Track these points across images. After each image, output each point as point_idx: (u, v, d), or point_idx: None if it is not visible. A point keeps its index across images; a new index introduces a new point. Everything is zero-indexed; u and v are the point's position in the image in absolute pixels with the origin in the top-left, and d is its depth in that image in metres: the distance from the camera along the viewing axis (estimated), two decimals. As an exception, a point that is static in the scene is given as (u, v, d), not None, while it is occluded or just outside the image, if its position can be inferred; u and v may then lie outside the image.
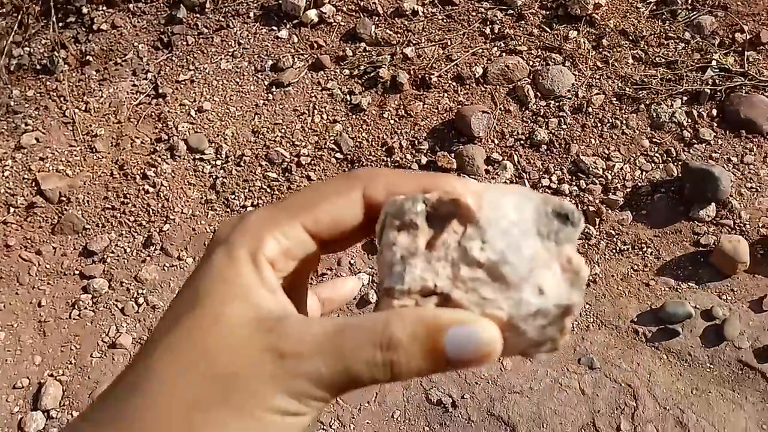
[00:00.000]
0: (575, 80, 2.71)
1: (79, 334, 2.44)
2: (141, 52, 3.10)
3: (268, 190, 2.67)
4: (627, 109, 2.63)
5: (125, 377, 0.34)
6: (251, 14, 3.12)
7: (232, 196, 2.67)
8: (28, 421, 2.26)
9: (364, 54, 2.94)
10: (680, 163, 2.48)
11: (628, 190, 2.50)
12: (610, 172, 2.52)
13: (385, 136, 2.73)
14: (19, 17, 3.16)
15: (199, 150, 2.78)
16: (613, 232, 2.45)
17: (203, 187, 2.71)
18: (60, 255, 2.61)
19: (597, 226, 2.45)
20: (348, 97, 2.84)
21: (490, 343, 0.33)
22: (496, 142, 2.65)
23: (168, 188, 2.70)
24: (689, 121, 2.57)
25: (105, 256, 2.58)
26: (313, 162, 2.70)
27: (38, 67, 3.08)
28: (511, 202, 0.34)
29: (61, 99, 2.98)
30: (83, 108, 2.96)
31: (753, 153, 2.50)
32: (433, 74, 2.81)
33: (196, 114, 2.88)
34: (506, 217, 0.34)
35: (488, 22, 2.92)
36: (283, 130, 2.80)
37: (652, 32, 2.76)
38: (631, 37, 2.77)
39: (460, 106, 2.72)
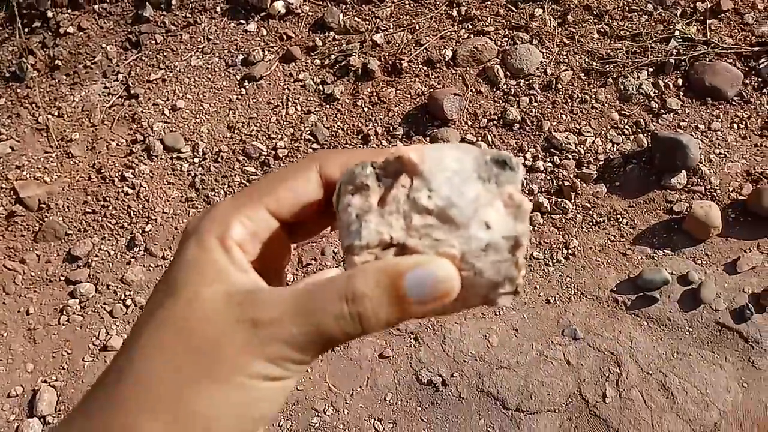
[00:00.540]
0: (543, 58, 2.75)
1: (70, 339, 2.46)
2: (110, 54, 3.09)
3: (248, 184, 2.68)
4: (595, 83, 2.68)
5: (111, 367, 0.36)
6: (218, 9, 3.11)
7: (212, 193, 2.68)
8: (25, 429, 2.28)
9: (333, 43, 2.96)
10: (650, 133, 2.53)
11: (601, 163, 2.55)
12: (582, 146, 2.58)
13: (360, 124, 2.75)
14: (-16, 25, 3.12)
15: (176, 149, 2.78)
16: (588, 205, 2.50)
17: (182, 185, 2.72)
18: (44, 262, 2.61)
19: (573, 200, 2.51)
20: (321, 87, 2.86)
21: (447, 279, 0.35)
22: (470, 123, 2.68)
23: (147, 189, 2.70)
24: (656, 91, 2.62)
25: (89, 261, 2.59)
26: (290, 154, 2.72)
27: (7, 74, 3.05)
28: (452, 155, 0.37)
29: (33, 105, 2.97)
30: (56, 113, 2.95)
31: (720, 119, 2.57)
32: (404, 59, 2.83)
33: (170, 113, 2.88)
34: (448, 167, 0.36)
35: (455, 4, 2.94)
36: (258, 124, 2.81)
37: (615, 6, 2.80)
38: (595, 12, 2.81)
39: (432, 90, 2.74)
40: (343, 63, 2.88)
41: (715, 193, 2.45)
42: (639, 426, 2.16)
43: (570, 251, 2.45)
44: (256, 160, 2.73)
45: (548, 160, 2.59)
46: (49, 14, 3.18)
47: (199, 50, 3.04)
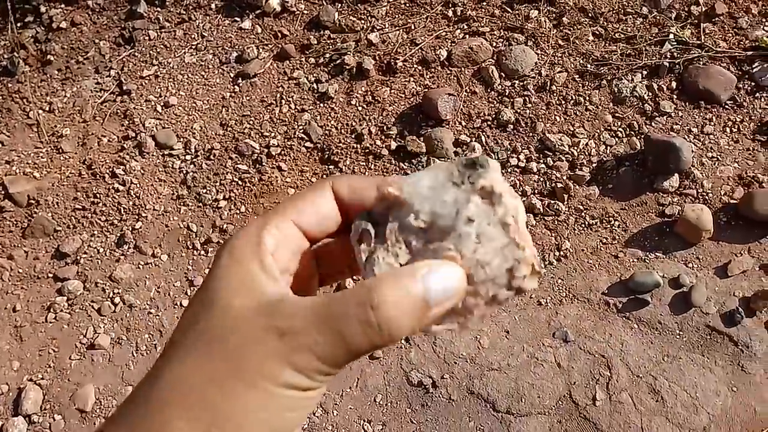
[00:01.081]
0: (538, 59, 2.75)
1: (57, 337, 2.44)
2: (103, 49, 3.07)
3: (240, 182, 2.67)
4: (589, 85, 2.67)
5: (151, 373, 0.38)
6: (213, 6, 3.09)
7: (204, 191, 2.67)
8: (10, 427, 2.25)
9: (328, 42, 2.94)
10: (643, 136, 2.53)
11: (594, 165, 2.55)
12: (575, 148, 2.57)
13: (353, 123, 2.74)
14: (-25, 19, 3.10)
15: (168, 146, 2.77)
16: (581, 207, 2.50)
17: (174, 182, 2.71)
18: (32, 259, 2.59)
19: (565, 202, 2.50)
20: (315, 85, 2.85)
21: (453, 276, 0.38)
22: (464, 123, 2.68)
23: (138, 186, 2.68)
24: (650, 94, 2.62)
25: (78, 258, 2.57)
26: (283, 152, 2.71)
27: (-2, 69, 3.03)
28: (427, 174, 0.41)
29: (24, 100, 2.94)
30: (47, 109, 2.92)
31: (713, 123, 2.56)
32: (399, 59, 2.82)
33: (162, 109, 2.86)
34: (424, 185, 0.40)
35: (450, 5, 2.93)
36: (251, 122, 2.80)
37: (610, 8, 2.80)
38: (590, 14, 2.80)
39: (426, 90, 2.74)
40: (337, 62, 2.87)
41: (707, 197, 2.45)
42: (628, 429, 2.15)
43: (562, 253, 2.45)
44: (248, 158, 2.72)
45: (541, 161, 2.58)
46: (42, 9, 3.15)
47: (193, 47, 3.02)
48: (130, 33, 3.08)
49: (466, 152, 2.61)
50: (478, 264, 0.38)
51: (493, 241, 0.38)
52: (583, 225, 2.48)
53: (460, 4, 2.92)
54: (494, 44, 2.81)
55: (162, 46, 3.03)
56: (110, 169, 2.72)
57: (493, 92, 2.72)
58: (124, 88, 2.92)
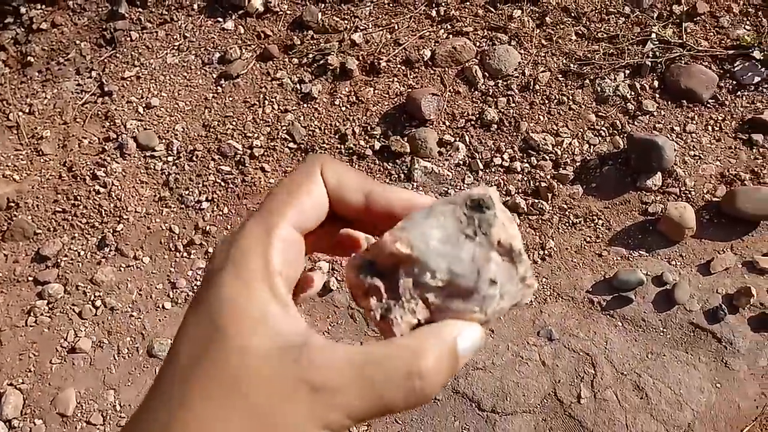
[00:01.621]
0: (521, 59, 2.75)
1: (37, 341, 2.41)
2: (84, 51, 3.04)
3: (222, 184, 2.65)
4: (572, 85, 2.68)
5: (149, 416, 0.34)
6: (195, 6, 3.08)
7: (186, 192, 2.64)
8: (-11, 432, 2.22)
9: (312, 42, 2.93)
10: (626, 135, 2.54)
11: (578, 164, 2.55)
12: (559, 147, 2.57)
13: (337, 124, 2.73)
14: (-47, 20, 3.06)
15: (150, 147, 2.74)
16: (565, 206, 2.50)
17: (156, 184, 2.68)
18: (12, 262, 2.55)
19: (549, 201, 2.50)
20: (298, 86, 2.83)
21: (482, 337, 0.38)
22: (448, 123, 2.67)
23: (119, 188, 2.66)
24: (632, 93, 2.63)
25: (59, 261, 2.54)
26: (266, 153, 2.69)
27: (-23, 70, 2.99)
28: (433, 224, 0.38)
29: (4, 102, 2.91)
30: (27, 110, 2.89)
31: (695, 122, 2.58)
32: (382, 59, 2.82)
33: (144, 111, 2.84)
34: (434, 238, 0.38)
35: (434, 5, 2.93)
36: (234, 123, 2.78)
37: (593, 8, 2.81)
38: (573, 14, 2.81)
39: (410, 90, 2.73)
40: (321, 62, 2.86)
41: (689, 195, 2.46)
42: (613, 427, 2.15)
43: (546, 252, 2.45)
44: (231, 159, 2.70)
45: (525, 161, 2.58)
46: (23, 10, 3.12)
47: (175, 48, 3.00)
48: (111, 34, 3.05)
49: (467, 188, 2.61)
50: (497, 314, 0.39)
51: (511, 293, 0.39)
52: (567, 224, 2.49)
53: (443, 4, 2.92)
54: (478, 44, 2.81)
55: (144, 47, 3.01)
56: (91, 171, 2.69)
57: (476, 92, 2.72)
58: (106, 89, 2.89)
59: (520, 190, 2.54)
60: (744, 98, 2.59)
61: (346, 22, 2.95)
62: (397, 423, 2.22)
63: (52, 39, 3.08)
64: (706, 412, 2.16)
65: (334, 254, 0.46)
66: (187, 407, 0.33)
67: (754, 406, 2.16)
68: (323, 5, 3.00)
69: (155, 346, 2.36)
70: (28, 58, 3.01)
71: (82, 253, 2.56)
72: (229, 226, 2.58)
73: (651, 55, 2.67)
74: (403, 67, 2.81)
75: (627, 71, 2.67)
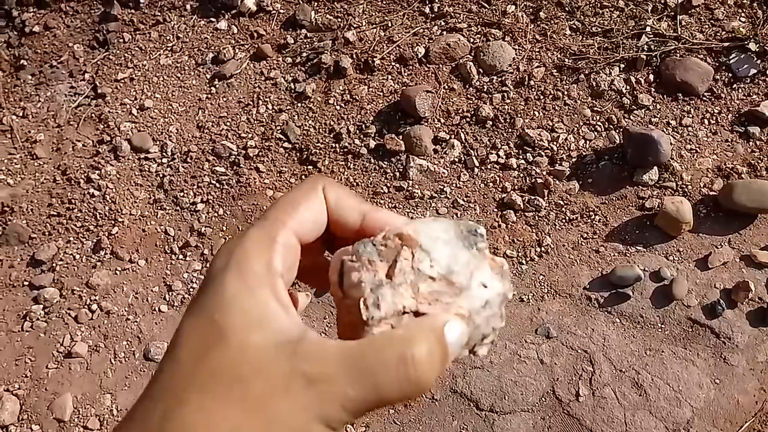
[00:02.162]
0: (516, 54, 2.73)
1: (33, 346, 2.40)
2: (77, 53, 3.02)
3: (217, 185, 2.64)
4: (567, 80, 2.66)
5: (157, 417, 0.34)
6: (188, 6, 3.06)
7: (181, 194, 2.63)
8: (-14, 438, 2.22)
9: (305, 41, 2.92)
10: (621, 129, 2.52)
11: (574, 160, 2.53)
12: (555, 143, 2.56)
13: (332, 123, 2.71)
14: (-55, 24, 3.04)
15: (144, 149, 2.73)
16: (561, 203, 2.49)
17: (150, 186, 2.67)
18: (7, 267, 2.54)
19: (546, 198, 2.49)
20: (292, 85, 2.82)
21: (465, 334, 0.39)
22: (443, 121, 2.66)
23: (114, 190, 2.65)
24: (628, 87, 2.61)
25: (54, 265, 2.53)
26: (261, 153, 2.68)
27: (-31, 75, 2.98)
28: (438, 227, 0.41)
29: (-3, 106, 2.90)
30: (21, 114, 2.88)
31: (691, 115, 2.56)
32: (376, 57, 2.80)
33: (138, 112, 2.82)
34: (440, 237, 0.41)
35: (427, 1, 2.91)
36: (228, 123, 2.76)
37: (587, 2, 2.79)
38: (567, 8, 2.79)
39: (404, 88, 2.71)
40: (314, 61, 2.84)
41: (686, 189, 2.44)
42: (612, 424, 2.14)
43: (543, 249, 2.44)
44: (226, 160, 2.68)
45: (521, 157, 2.57)
46: (15, 13, 3.11)
47: (168, 49, 2.99)
48: (104, 36, 3.04)
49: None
50: (473, 326, 0.40)
51: (491, 308, 0.41)
52: (563, 220, 2.47)
53: (436, 0, 2.90)
54: (471, 40, 2.79)
55: (137, 49, 2.99)
56: (85, 174, 2.68)
57: (471, 88, 2.70)
58: (99, 91, 2.88)
59: (516, 187, 2.53)
60: (740, 91, 2.57)
61: (339, 20, 2.93)
62: (395, 423, 2.21)
63: (45, 42, 3.06)
64: (705, 408, 2.15)
65: (317, 283, 0.47)
66: (184, 402, 0.33)
67: (753, 402, 2.15)
68: (316, 4, 2.98)
69: (152, 350, 2.36)
70: (21, 61, 3.00)
71: (77, 256, 2.55)
72: (224, 228, 2.57)
73: (646, 49, 2.65)
74: (397, 65, 2.79)
75: (622, 65, 2.66)
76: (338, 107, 2.74)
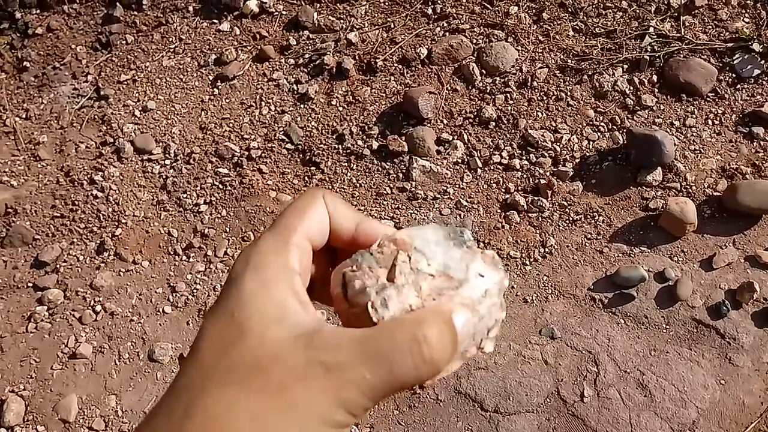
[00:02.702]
0: (519, 55, 2.73)
1: (38, 347, 2.40)
2: (80, 55, 3.03)
3: (220, 186, 2.64)
4: (570, 80, 2.66)
5: (179, 409, 0.35)
6: (190, 8, 3.06)
7: (184, 195, 2.63)
8: (-9, 440, 2.22)
9: (308, 42, 2.92)
10: (625, 130, 2.52)
11: (577, 160, 2.53)
12: (558, 144, 2.56)
13: (334, 124, 2.71)
14: (-52, 26, 3.05)
15: (147, 150, 2.73)
16: (565, 203, 2.49)
17: (154, 188, 2.67)
18: (11, 268, 2.54)
19: (549, 199, 2.49)
20: (295, 86, 2.82)
21: (471, 321, 0.40)
22: (445, 122, 2.66)
23: (117, 192, 2.65)
24: (631, 88, 2.61)
25: (58, 266, 2.53)
26: (263, 155, 2.68)
27: (-28, 76, 2.98)
28: (429, 231, 0.43)
29: (0, 108, 2.90)
30: (24, 116, 2.88)
31: (694, 116, 2.56)
32: (379, 58, 2.80)
33: (140, 114, 2.82)
34: (431, 239, 0.43)
35: (430, 2, 2.91)
36: (231, 125, 2.76)
37: (590, 3, 2.79)
38: (570, 9, 2.79)
39: (407, 89, 2.71)
40: (317, 62, 2.84)
41: (690, 190, 2.44)
42: (617, 425, 2.14)
43: (547, 250, 2.43)
44: (229, 161, 2.68)
45: (524, 158, 2.57)
46: (18, 15, 3.11)
47: (171, 50, 2.99)
48: (106, 37, 3.04)
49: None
50: (478, 316, 0.41)
51: (491, 297, 0.42)
52: (567, 221, 2.47)
53: (439, 1, 2.91)
54: (474, 41, 2.79)
55: (139, 50, 2.99)
56: (88, 176, 2.68)
57: (474, 89, 2.70)
58: (102, 93, 2.88)
59: (519, 188, 2.53)
60: (744, 91, 2.57)
61: (341, 21, 2.93)
62: (400, 425, 2.21)
63: (48, 44, 3.07)
64: (711, 409, 2.14)
65: (327, 299, 0.48)
66: (206, 393, 0.34)
67: (758, 402, 2.15)
68: (318, 5, 2.98)
69: (156, 351, 2.36)
70: (24, 63, 3.00)
71: (81, 258, 2.55)
72: (227, 229, 2.57)
73: (649, 50, 2.65)
74: (400, 66, 2.80)
75: (625, 66, 2.66)
76: (341, 108, 2.74)
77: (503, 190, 2.53)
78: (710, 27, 2.69)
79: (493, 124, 2.63)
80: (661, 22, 2.69)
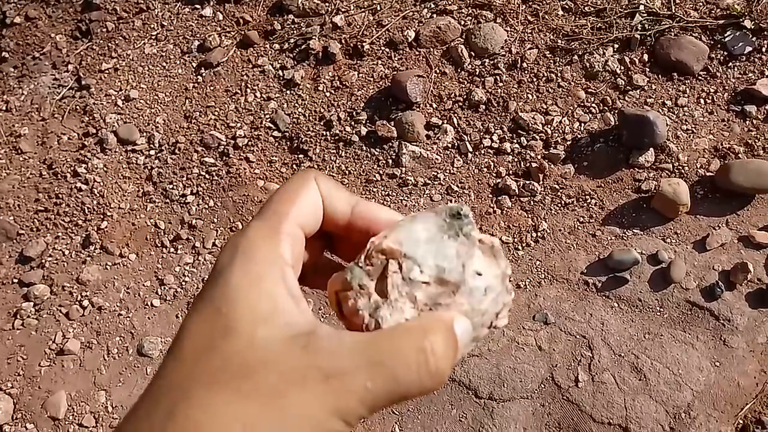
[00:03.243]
0: (508, 36, 2.68)
1: (25, 344, 2.36)
2: (59, 44, 2.96)
3: (207, 176, 2.59)
4: (561, 61, 2.62)
5: (163, 413, 0.32)
6: (171, -6, 2.99)
7: (170, 186, 2.59)
8: (-20, 440, 2.19)
9: (292, 26, 2.86)
10: (617, 111, 2.48)
11: (569, 143, 2.50)
12: (549, 126, 2.52)
13: (322, 110, 2.67)
14: None
15: (131, 141, 2.68)
16: (557, 187, 2.45)
17: (139, 179, 2.62)
18: (-5, 264, 2.50)
19: (541, 182, 2.46)
20: (280, 72, 2.76)
21: (470, 330, 0.39)
22: (435, 106, 2.61)
23: (102, 184, 2.60)
24: (622, 68, 2.57)
25: (43, 261, 2.49)
26: (250, 143, 2.63)
27: (-51, 68, 2.91)
28: (418, 228, 0.40)
29: (-21, 100, 2.83)
30: (4, 108, 2.82)
31: (686, 95, 2.52)
32: (365, 42, 2.75)
33: (123, 103, 2.76)
34: (421, 239, 0.40)
35: (416, -16, 2.86)
36: (216, 113, 2.71)
37: (580, -19, 2.74)
38: (559, -12, 2.74)
39: (395, 73, 2.67)
40: (302, 47, 2.79)
41: (683, 170, 2.41)
42: (612, 409, 2.13)
43: (539, 234, 2.41)
44: (215, 150, 2.64)
45: (515, 141, 2.53)
46: (-6, 4, 3.03)
47: (153, 37, 2.92)
48: (86, 25, 2.97)
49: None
50: (480, 313, 0.40)
51: (493, 291, 0.41)
52: (559, 204, 2.44)
53: (426, -18, 2.85)
54: (462, 23, 2.74)
55: (120, 38, 2.92)
56: (72, 168, 2.63)
57: (463, 72, 2.66)
58: (83, 83, 2.82)
59: (510, 172, 2.49)
60: (735, 69, 2.53)
61: (326, 4, 2.87)
62: (394, 414, 2.19)
63: (27, 33, 2.99)
64: (706, 391, 2.13)
65: (320, 286, 0.45)
66: (190, 397, 0.32)
67: (753, 384, 2.14)
68: (303, -12, 2.91)
69: (145, 345, 2.32)
70: (3, 53, 2.93)
71: (66, 252, 2.50)
72: (215, 219, 2.52)
73: (640, 28, 2.60)
74: (387, 49, 2.74)
75: (616, 45, 2.61)
76: (328, 94, 2.69)
77: (494, 175, 2.49)
78: (701, 4, 2.64)
79: (483, 107, 2.58)
80: (651, -1, 2.64)
